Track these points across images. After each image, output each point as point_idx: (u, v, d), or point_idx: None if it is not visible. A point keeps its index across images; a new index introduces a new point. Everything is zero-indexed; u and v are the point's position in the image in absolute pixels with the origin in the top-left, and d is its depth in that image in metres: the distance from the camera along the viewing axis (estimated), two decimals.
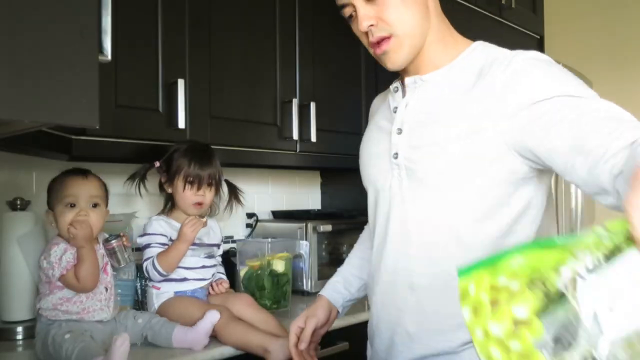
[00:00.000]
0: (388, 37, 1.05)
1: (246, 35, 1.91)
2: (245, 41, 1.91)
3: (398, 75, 1.18)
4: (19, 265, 1.55)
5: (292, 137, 2.02)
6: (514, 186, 1.01)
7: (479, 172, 1.01)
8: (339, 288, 1.32)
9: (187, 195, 1.63)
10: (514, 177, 1.00)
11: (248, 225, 2.32)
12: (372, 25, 1.05)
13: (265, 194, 2.48)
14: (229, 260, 1.98)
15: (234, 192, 1.80)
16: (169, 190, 1.66)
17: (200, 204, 1.65)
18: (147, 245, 1.61)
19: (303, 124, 2.04)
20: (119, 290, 1.65)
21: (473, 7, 2.44)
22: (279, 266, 1.85)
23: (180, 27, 1.71)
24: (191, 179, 1.62)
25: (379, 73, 2.42)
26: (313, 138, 2.05)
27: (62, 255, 1.34)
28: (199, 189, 1.63)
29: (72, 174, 1.42)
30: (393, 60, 1.08)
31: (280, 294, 1.84)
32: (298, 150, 2.07)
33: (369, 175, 1.20)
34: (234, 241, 2.22)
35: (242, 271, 1.88)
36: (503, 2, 2.55)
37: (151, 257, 1.59)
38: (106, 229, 1.73)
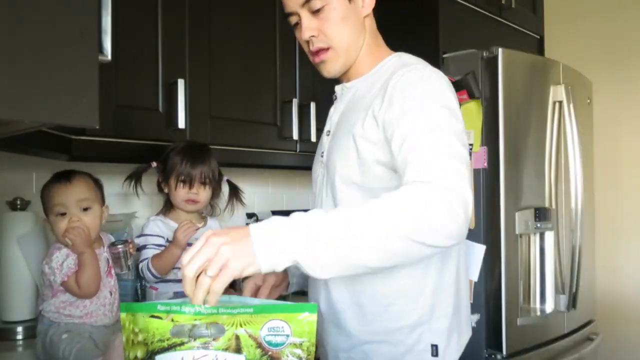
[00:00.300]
0: (327, 49, 1.19)
1: (246, 35, 1.91)
2: (245, 41, 1.91)
3: None
4: (19, 265, 1.55)
5: (292, 137, 2.02)
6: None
7: (367, 171, 1.12)
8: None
9: (180, 193, 1.64)
10: (394, 182, 1.09)
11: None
12: (313, 36, 1.18)
13: (265, 194, 2.48)
14: None
15: (235, 192, 1.80)
16: (165, 190, 1.67)
17: (193, 201, 1.64)
18: (144, 246, 1.62)
19: (303, 124, 2.04)
20: (119, 291, 1.66)
21: (473, 7, 2.44)
22: None
23: (180, 27, 1.71)
24: (183, 177, 1.62)
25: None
26: (313, 138, 2.05)
27: (63, 261, 1.32)
28: (191, 187, 1.63)
29: (57, 180, 1.37)
30: (329, 69, 1.22)
31: None
32: (298, 150, 2.07)
33: (313, 173, 1.36)
34: None
35: None
36: (503, 2, 2.55)
37: (147, 258, 1.59)
38: (106, 229, 1.73)
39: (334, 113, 1.29)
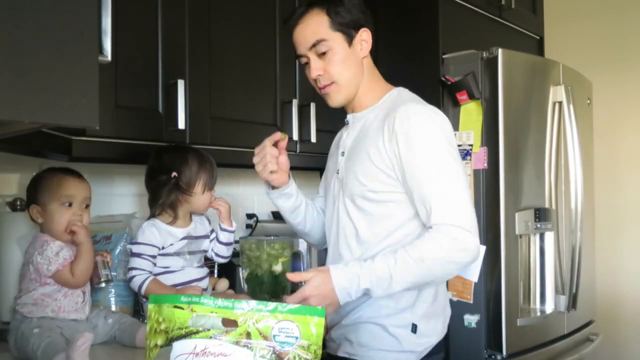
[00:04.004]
0: (330, 84, 1.44)
1: (246, 35, 1.91)
2: (245, 41, 1.91)
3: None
4: (19, 266, 1.55)
5: (292, 137, 2.02)
6: (396, 203, 1.39)
7: (376, 189, 1.39)
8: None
9: (206, 199, 1.66)
10: (397, 196, 1.39)
11: (248, 226, 2.32)
12: (319, 75, 1.44)
13: (265, 194, 2.47)
14: (229, 261, 1.98)
15: None
16: (180, 198, 1.62)
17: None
18: (139, 255, 1.58)
19: (303, 124, 2.04)
20: (120, 292, 1.65)
21: (473, 7, 2.44)
22: (278, 267, 1.86)
23: (180, 27, 1.71)
24: (210, 184, 1.65)
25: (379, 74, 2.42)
26: (313, 139, 2.05)
27: (58, 252, 1.37)
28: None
29: (68, 173, 1.44)
30: (333, 100, 1.48)
31: (279, 288, 1.85)
32: (298, 151, 2.07)
33: (326, 185, 1.63)
34: (235, 242, 2.21)
35: (245, 273, 1.89)
36: (503, 2, 2.55)
37: (141, 271, 1.56)
38: (106, 229, 1.73)
39: (347, 137, 1.52)
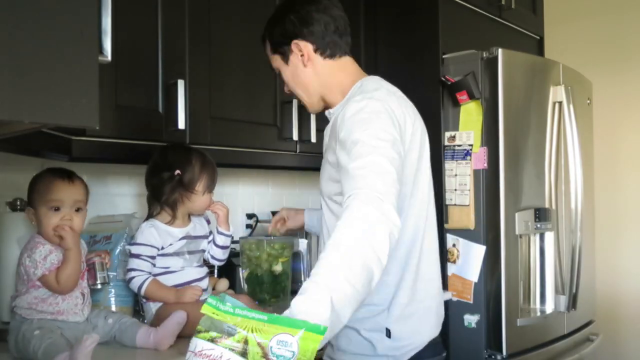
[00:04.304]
0: (296, 97, 1.53)
1: (246, 35, 1.91)
2: (245, 41, 1.91)
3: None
4: None
5: (292, 137, 2.02)
6: None
7: (338, 191, 1.28)
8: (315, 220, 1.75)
9: (206, 200, 1.65)
10: None
11: (248, 226, 2.32)
12: (288, 92, 1.53)
13: (265, 194, 2.48)
14: (229, 261, 1.98)
15: None
16: (180, 198, 1.62)
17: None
18: (137, 256, 1.58)
19: (303, 124, 2.04)
20: (120, 292, 1.65)
21: (473, 7, 2.44)
22: (278, 267, 1.87)
23: (180, 27, 1.71)
24: (212, 186, 1.66)
25: (379, 74, 2.42)
26: (313, 139, 2.05)
27: (47, 256, 1.34)
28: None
29: (58, 176, 1.40)
30: (307, 109, 1.55)
31: (279, 288, 1.86)
32: (298, 151, 2.07)
33: None
34: (235, 242, 2.21)
35: (245, 273, 1.90)
36: (503, 2, 2.55)
37: (140, 272, 1.56)
38: (106, 229, 1.73)
39: (326, 135, 1.52)
